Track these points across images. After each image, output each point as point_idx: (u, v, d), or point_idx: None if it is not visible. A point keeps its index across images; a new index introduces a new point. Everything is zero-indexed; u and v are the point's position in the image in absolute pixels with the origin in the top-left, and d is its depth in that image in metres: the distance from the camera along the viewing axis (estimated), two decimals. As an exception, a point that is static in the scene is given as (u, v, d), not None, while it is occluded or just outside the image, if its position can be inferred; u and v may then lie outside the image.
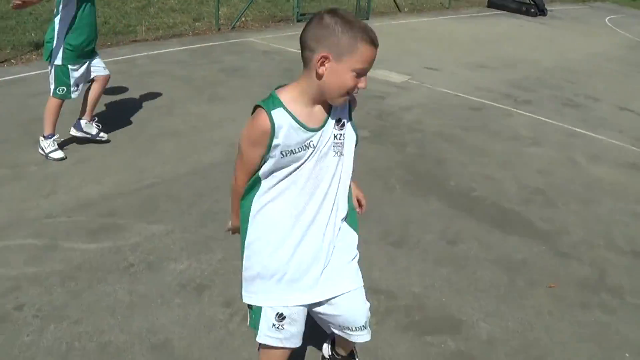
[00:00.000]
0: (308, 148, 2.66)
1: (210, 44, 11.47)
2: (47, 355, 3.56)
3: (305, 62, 2.59)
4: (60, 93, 5.90)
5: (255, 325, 2.87)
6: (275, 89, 2.66)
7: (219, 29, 12.61)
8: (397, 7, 18.04)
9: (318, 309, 2.87)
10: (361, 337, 2.98)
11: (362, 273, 2.89)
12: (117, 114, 7.33)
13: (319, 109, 2.69)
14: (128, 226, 4.97)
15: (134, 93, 8.10)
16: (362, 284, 2.92)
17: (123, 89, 8.22)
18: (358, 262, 2.92)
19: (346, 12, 2.59)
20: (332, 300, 2.84)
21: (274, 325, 2.83)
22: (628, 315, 4.62)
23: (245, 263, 2.86)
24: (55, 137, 6.11)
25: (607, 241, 5.72)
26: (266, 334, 2.85)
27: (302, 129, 2.62)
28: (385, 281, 4.57)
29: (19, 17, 11.36)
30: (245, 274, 2.88)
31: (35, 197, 5.29)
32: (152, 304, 4.06)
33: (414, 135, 7.83)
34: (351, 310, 2.87)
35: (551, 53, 15.10)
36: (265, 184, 2.71)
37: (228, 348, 3.73)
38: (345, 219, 2.88)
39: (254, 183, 2.72)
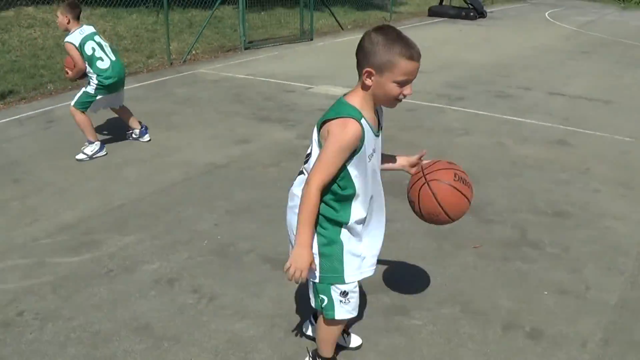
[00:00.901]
0: (375, 151, 3.18)
1: (163, 78, 12.14)
2: (49, 345, 4.25)
3: (360, 76, 3.05)
4: None
5: (319, 306, 3.41)
6: (343, 95, 3.14)
7: (171, 64, 13.27)
8: (340, 26, 18.77)
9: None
10: None
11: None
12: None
13: (374, 115, 3.15)
14: (104, 240, 5.68)
15: (97, 129, 8.72)
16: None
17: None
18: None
19: (390, 28, 3.00)
20: None
21: (341, 301, 3.33)
22: (547, 262, 5.40)
23: (333, 251, 3.26)
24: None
25: (529, 206, 6.52)
26: (339, 310, 3.38)
27: (373, 134, 3.13)
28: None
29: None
30: (333, 260, 3.27)
31: (20, 226, 5.99)
32: (132, 297, 4.80)
33: (354, 138, 8.49)
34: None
35: (487, 52, 16.08)
36: (343, 185, 3.15)
37: (198, 324, 4.48)
38: None
39: (334, 191, 3.17)
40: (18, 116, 9.56)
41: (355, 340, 4.14)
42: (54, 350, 4.21)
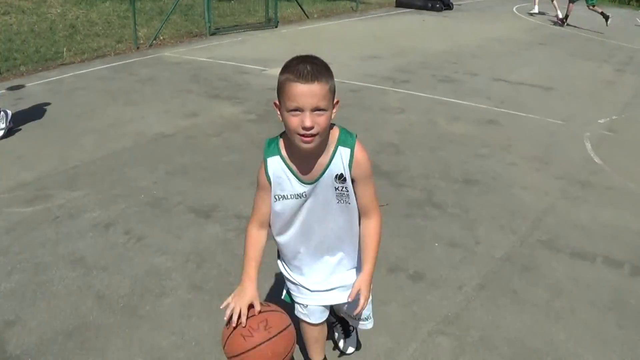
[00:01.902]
0: (307, 197, 3.00)
1: (129, 61, 12.87)
2: None
3: None
4: None
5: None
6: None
7: (138, 48, 13.98)
8: (306, 14, 19.49)
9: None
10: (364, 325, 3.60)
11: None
12: (46, 122, 8.89)
13: (302, 161, 2.95)
14: (55, 195, 6.46)
15: (61, 105, 9.62)
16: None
17: (51, 103, 9.76)
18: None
19: (304, 57, 2.78)
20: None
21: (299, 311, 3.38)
22: (444, 220, 6.16)
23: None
24: None
25: (442, 174, 7.26)
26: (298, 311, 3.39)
27: (297, 179, 2.98)
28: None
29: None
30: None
31: (-20, 182, 6.76)
32: (72, 237, 5.61)
33: (295, 114, 9.34)
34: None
35: (444, 41, 16.71)
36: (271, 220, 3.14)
37: (124, 258, 5.31)
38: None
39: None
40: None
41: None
42: (1, 277, 5.03)
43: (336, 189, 2.95)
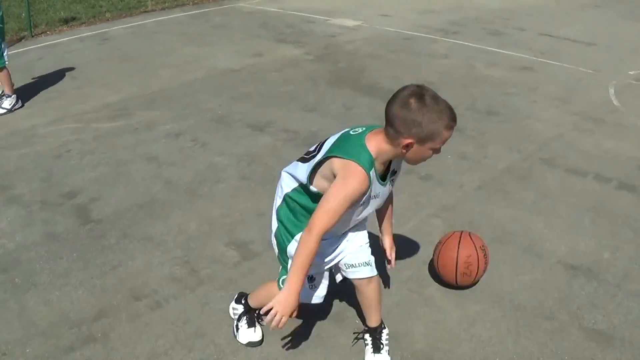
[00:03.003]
0: (376, 197, 3.11)
1: (206, 10, 14.09)
2: (84, 167, 6.43)
3: (390, 135, 2.89)
4: None
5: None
6: (365, 132, 3.05)
7: (215, -2, 15.29)
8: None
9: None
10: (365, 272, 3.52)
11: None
12: (129, 57, 10.24)
13: (383, 165, 3.06)
14: (135, 113, 7.71)
15: (143, 45, 10.98)
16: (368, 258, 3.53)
17: (134, 44, 11.11)
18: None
19: (429, 94, 2.87)
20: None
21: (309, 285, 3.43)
22: (461, 140, 6.17)
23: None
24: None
25: (469, 106, 8.19)
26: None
27: (379, 183, 3.06)
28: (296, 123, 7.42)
29: (48, 0, 14.21)
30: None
31: (74, 104, 8.10)
32: (148, 143, 6.80)
33: (348, 56, 10.41)
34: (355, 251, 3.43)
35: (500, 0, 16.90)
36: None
37: (189, 157, 6.58)
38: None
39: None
40: (79, 35, 11.67)
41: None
42: (88, 169, 6.30)
43: (392, 182, 3.24)
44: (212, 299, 4.32)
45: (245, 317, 3.83)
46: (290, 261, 3.18)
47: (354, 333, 3.88)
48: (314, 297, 3.49)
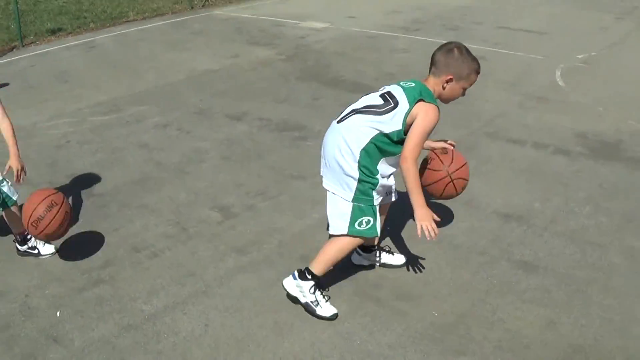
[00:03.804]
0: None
1: (184, 18, 14.98)
2: (82, 155, 7.23)
3: (435, 73, 3.89)
4: None
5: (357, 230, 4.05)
6: (419, 81, 3.97)
7: (192, 8, 16.05)
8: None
9: None
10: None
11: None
12: (115, 63, 11.09)
13: None
14: (126, 108, 8.66)
15: (128, 52, 11.84)
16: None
17: (120, 51, 11.98)
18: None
19: (465, 48, 3.93)
20: None
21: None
22: None
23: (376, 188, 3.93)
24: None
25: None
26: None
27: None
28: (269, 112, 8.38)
29: (35, 12, 15.11)
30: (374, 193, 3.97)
31: (69, 103, 8.99)
32: (139, 132, 7.68)
33: (316, 55, 11.33)
34: None
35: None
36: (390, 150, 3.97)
37: (177, 142, 7.43)
38: None
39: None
40: (66, 44, 12.50)
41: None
42: (85, 155, 7.15)
43: None
44: (200, 249, 5.20)
45: (318, 291, 4.21)
46: (357, 194, 3.98)
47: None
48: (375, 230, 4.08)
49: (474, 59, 3.90)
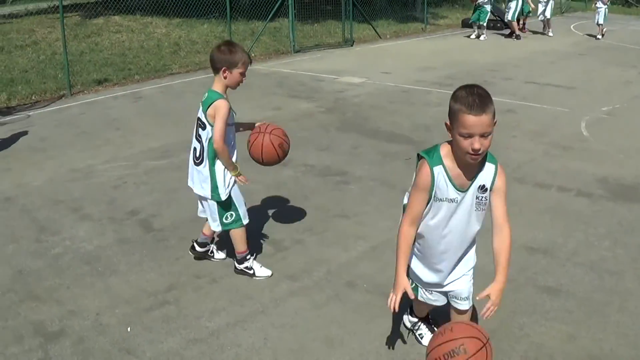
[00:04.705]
0: (452, 202, 3.41)
1: (226, 72, 15.89)
2: (137, 193, 7.79)
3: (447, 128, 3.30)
4: None
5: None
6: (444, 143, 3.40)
7: (234, 62, 17.02)
8: (378, 35, 22.20)
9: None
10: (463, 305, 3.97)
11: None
12: (164, 112, 11.80)
13: (460, 170, 3.37)
14: (176, 155, 9.24)
15: (174, 102, 12.59)
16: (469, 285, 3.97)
17: (166, 101, 12.72)
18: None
19: (471, 87, 3.26)
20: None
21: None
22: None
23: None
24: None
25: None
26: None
27: (453, 186, 3.38)
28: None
29: (81, 63, 15.86)
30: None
31: (122, 149, 9.65)
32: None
33: (354, 107, 11.93)
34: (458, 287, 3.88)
35: (494, 55, 18.83)
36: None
37: None
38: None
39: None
40: (113, 94, 13.24)
41: None
42: (144, 195, 7.75)
43: (477, 197, 3.39)
44: (260, 278, 5.73)
45: (422, 324, 4.63)
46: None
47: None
48: (436, 302, 4.10)
49: (458, 91, 3.34)
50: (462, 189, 3.38)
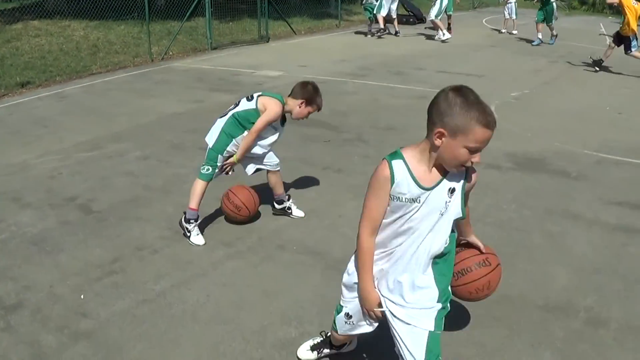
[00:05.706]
0: (419, 203, 2.94)
1: (146, 70, 16.05)
2: (75, 184, 8.25)
3: (427, 131, 2.90)
4: None
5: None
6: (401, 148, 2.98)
7: (152, 61, 17.09)
8: (294, 31, 22.82)
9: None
10: None
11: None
12: (89, 110, 12.08)
13: (429, 171, 2.96)
14: (106, 146, 9.63)
15: (98, 101, 12.84)
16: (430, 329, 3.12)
17: (91, 99, 12.97)
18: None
19: (468, 90, 2.86)
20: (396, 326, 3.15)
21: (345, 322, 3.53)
22: (365, 147, 9.55)
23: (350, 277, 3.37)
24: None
25: (372, 125, 10.41)
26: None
27: (418, 186, 2.93)
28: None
29: (2, 67, 15.84)
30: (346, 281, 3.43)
31: (52, 144, 9.86)
32: (122, 164, 8.68)
33: (275, 97, 12.71)
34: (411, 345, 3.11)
35: (407, 47, 19.82)
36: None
37: (158, 170, 8.51)
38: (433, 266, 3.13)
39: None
40: (38, 95, 13.38)
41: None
42: (77, 183, 8.16)
43: (445, 202, 3.00)
44: (193, 245, 6.35)
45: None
46: None
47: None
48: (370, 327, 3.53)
49: (474, 104, 2.96)
50: (426, 187, 2.99)
